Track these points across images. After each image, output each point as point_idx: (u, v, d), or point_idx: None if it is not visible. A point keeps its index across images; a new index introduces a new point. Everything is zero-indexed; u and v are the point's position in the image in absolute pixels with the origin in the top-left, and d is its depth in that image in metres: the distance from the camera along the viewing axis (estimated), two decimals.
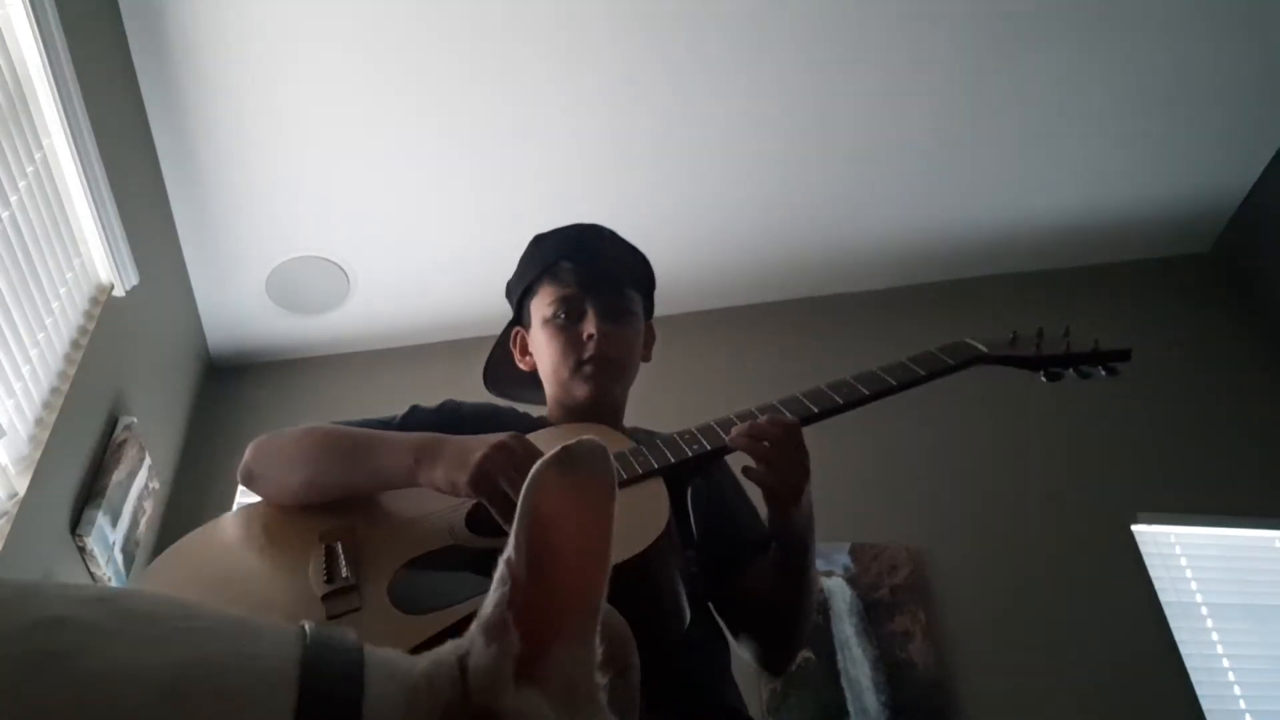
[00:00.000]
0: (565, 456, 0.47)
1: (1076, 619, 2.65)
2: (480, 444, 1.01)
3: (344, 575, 1.02)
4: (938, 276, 3.38)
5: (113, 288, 2.47)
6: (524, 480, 0.98)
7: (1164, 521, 2.87)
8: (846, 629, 2.62)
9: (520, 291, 1.37)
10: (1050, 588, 2.71)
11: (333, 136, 2.80)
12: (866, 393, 1.18)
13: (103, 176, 2.32)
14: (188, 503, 2.88)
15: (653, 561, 0.99)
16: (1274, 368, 3.18)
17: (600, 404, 1.27)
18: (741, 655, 1.25)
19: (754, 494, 1.23)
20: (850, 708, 2.48)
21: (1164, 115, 3.00)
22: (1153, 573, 2.76)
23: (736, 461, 1.17)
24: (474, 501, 1.07)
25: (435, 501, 1.09)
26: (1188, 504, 2.89)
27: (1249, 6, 2.76)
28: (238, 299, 3.15)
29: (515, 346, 1.39)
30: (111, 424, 2.51)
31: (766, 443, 1.09)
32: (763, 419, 1.12)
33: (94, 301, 2.43)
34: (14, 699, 0.38)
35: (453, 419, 1.26)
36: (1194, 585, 2.79)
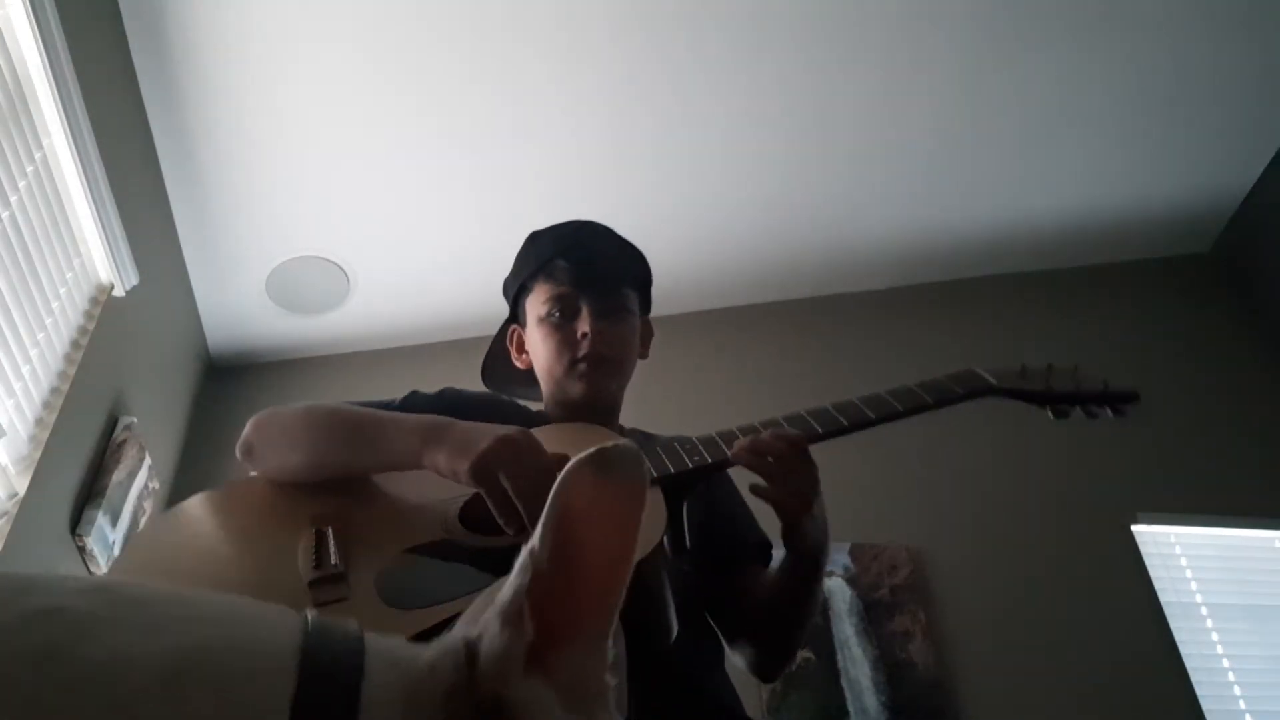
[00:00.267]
0: (601, 458, 0.47)
1: (1076, 619, 2.65)
2: (486, 434, 1.00)
3: (333, 563, 1.00)
4: (938, 276, 3.38)
5: (113, 288, 2.47)
6: (525, 477, 0.97)
7: (1164, 522, 2.87)
8: (846, 629, 2.62)
9: (515, 289, 1.36)
10: (1050, 588, 2.71)
11: (333, 136, 2.81)
12: (872, 416, 1.18)
13: (103, 176, 2.32)
14: None
15: (645, 573, 0.98)
16: (1274, 368, 3.18)
17: (596, 402, 1.26)
18: (734, 660, 1.24)
19: (756, 504, 1.22)
20: (850, 708, 2.48)
21: (1164, 115, 3.00)
22: (1153, 573, 2.76)
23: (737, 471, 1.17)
24: (470, 495, 1.06)
25: (434, 489, 1.07)
26: (1188, 504, 2.89)
27: (1249, 6, 2.76)
28: (238, 299, 3.15)
29: (512, 345, 1.39)
30: (111, 424, 2.51)
31: (770, 458, 1.09)
32: (766, 434, 1.11)
33: (94, 301, 2.43)
34: (13, 690, 0.38)
35: (452, 406, 1.24)
36: (1194, 585, 2.79)
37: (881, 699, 2.50)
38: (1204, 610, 2.75)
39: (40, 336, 2.17)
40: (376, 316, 3.24)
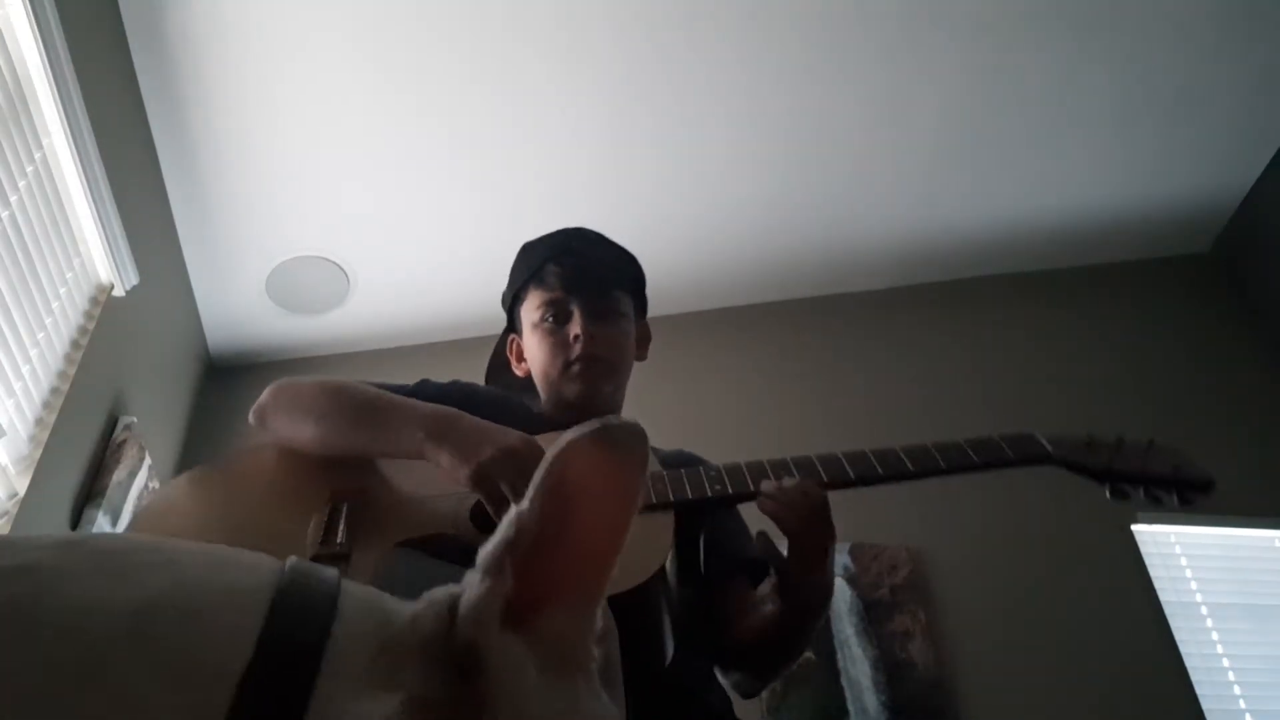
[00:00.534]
0: (604, 430, 0.47)
1: (1076, 619, 2.65)
2: (489, 440, 1.00)
3: (339, 541, 1.01)
4: (938, 276, 3.38)
5: (113, 288, 2.47)
6: (525, 489, 0.97)
7: (1164, 521, 2.87)
8: (846, 629, 2.62)
9: (511, 299, 1.37)
10: (1050, 588, 2.71)
11: (333, 136, 2.80)
12: (911, 469, 1.13)
13: (103, 176, 2.32)
14: None
15: (645, 597, 0.97)
16: (1273, 368, 3.18)
17: (592, 402, 1.26)
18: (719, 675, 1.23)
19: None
20: (850, 707, 2.48)
21: (1164, 115, 2.99)
22: (1153, 572, 2.76)
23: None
24: None
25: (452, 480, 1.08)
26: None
27: (1248, 7, 2.76)
28: (238, 299, 3.15)
29: (512, 354, 1.39)
30: (111, 424, 2.51)
31: (790, 510, 1.08)
32: (790, 484, 1.09)
33: (94, 301, 2.43)
34: None
35: (461, 400, 1.24)
36: (1194, 585, 2.79)
37: (881, 699, 2.50)
38: (1204, 610, 2.75)
39: (40, 336, 2.17)
40: (376, 316, 3.24)
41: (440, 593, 0.48)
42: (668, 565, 1.06)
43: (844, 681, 2.53)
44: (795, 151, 2.98)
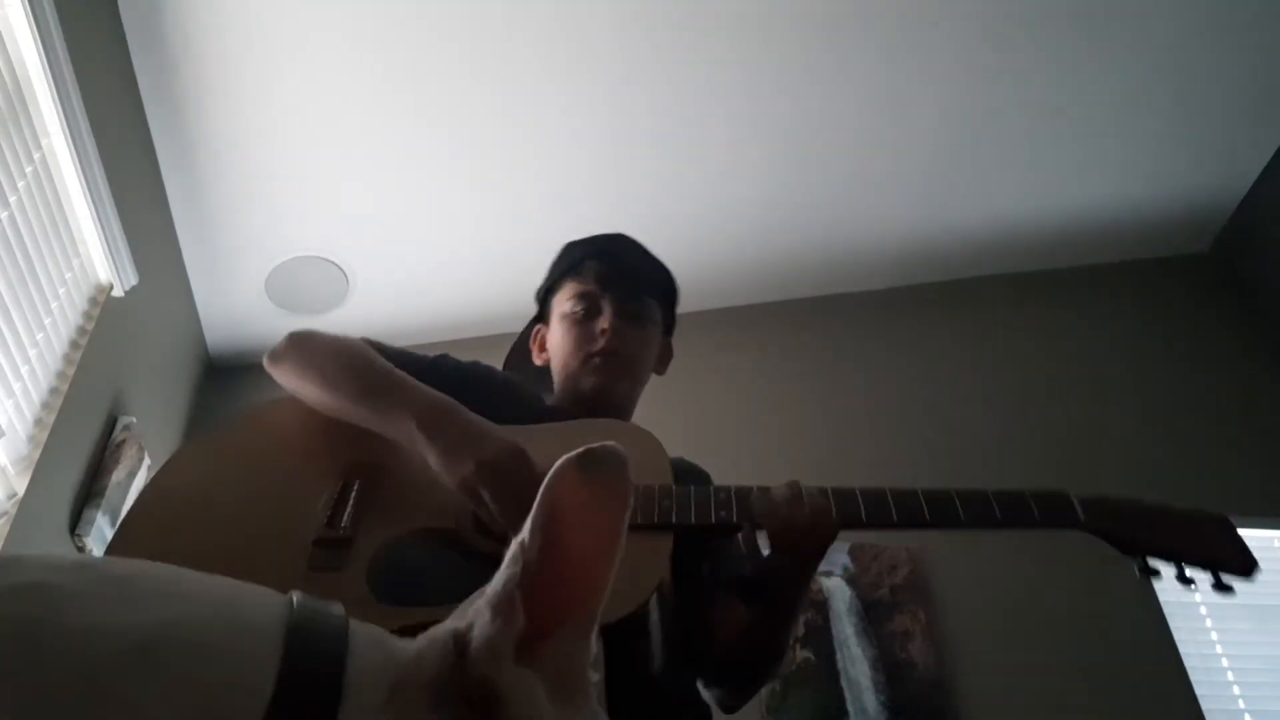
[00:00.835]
0: (588, 457, 0.49)
1: (1076, 619, 2.65)
2: (478, 447, 1.00)
3: (343, 524, 1.00)
4: (938, 276, 3.38)
5: (112, 288, 2.47)
6: (508, 501, 0.96)
7: None
8: (846, 629, 2.62)
9: (545, 289, 1.39)
10: (1049, 587, 2.71)
11: (332, 136, 2.80)
12: (928, 519, 1.09)
13: (102, 176, 2.32)
14: None
15: (635, 622, 0.97)
16: (1273, 368, 3.18)
17: (606, 398, 1.26)
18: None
19: None
20: (850, 708, 2.48)
21: (1164, 115, 3.00)
22: None
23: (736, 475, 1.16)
24: None
25: None
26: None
27: (1248, 7, 2.76)
28: (237, 299, 3.15)
29: (534, 343, 1.40)
30: (111, 424, 2.50)
31: (794, 533, 1.07)
32: (799, 515, 1.07)
33: (93, 302, 2.43)
34: None
35: (477, 380, 1.26)
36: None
37: (881, 699, 2.50)
38: (1204, 610, 2.75)
39: (39, 336, 2.17)
40: (376, 316, 3.23)
41: (442, 630, 0.48)
42: (665, 592, 1.06)
43: (843, 682, 2.53)
44: (795, 151, 2.98)
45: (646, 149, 2.93)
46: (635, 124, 2.87)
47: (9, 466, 2.06)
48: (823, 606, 2.65)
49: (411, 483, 1.06)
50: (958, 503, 1.09)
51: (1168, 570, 1.13)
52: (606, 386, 1.26)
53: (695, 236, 3.12)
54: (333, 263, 3.08)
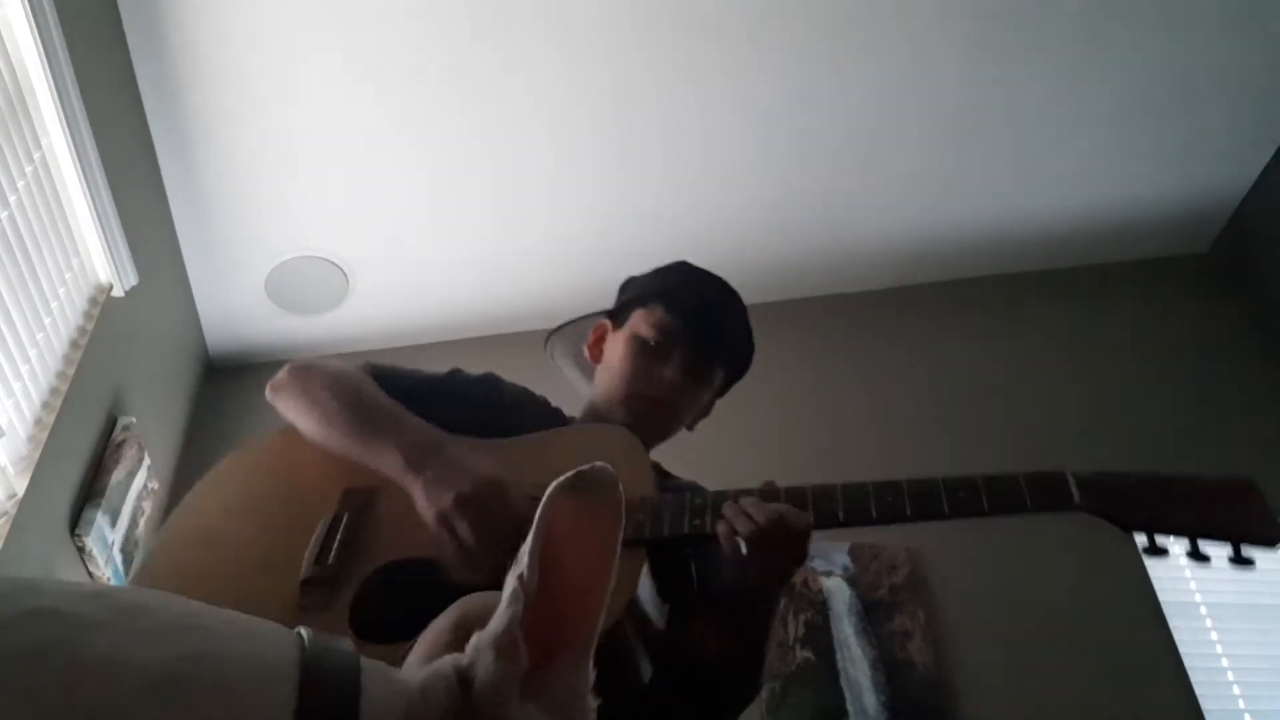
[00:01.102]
0: (578, 481, 0.49)
1: (1076, 618, 2.65)
2: (454, 483, 1.00)
3: (330, 561, 1.01)
4: (938, 276, 3.37)
5: (111, 288, 2.47)
6: (482, 534, 0.97)
7: None
8: (846, 629, 2.62)
9: (635, 295, 1.34)
10: (1049, 587, 2.71)
11: (332, 136, 2.80)
12: (909, 513, 1.03)
13: (102, 176, 2.32)
14: None
15: (608, 640, 0.95)
16: (1273, 368, 3.18)
17: None
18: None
19: None
20: (849, 707, 2.48)
21: (1164, 115, 3.00)
22: (1152, 572, 2.76)
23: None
24: None
25: None
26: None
27: (1248, 6, 2.76)
28: (237, 299, 3.14)
29: (592, 334, 1.36)
30: (110, 424, 2.50)
31: (767, 546, 1.01)
32: (766, 523, 1.00)
33: (93, 302, 2.43)
34: (8, 684, 0.38)
35: (491, 394, 1.25)
36: (1193, 585, 2.79)
37: (881, 698, 2.50)
38: (1204, 610, 2.75)
39: (39, 337, 2.17)
40: (375, 316, 3.23)
41: (444, 666, 0.49)
42: (642, 596, 1.05)
43: (843, 681, 2.53)
44: (795, 151, 2.98)
45: (647, 149, 2.93)
46: (636, 124, 2.87)
47: (9, 466, 2.06)
48: (823, 606, 2.65)
49: (400, 513, 1.06)
50: (943, 494, 1.04)
51: (1178, 547, 1.02)
52: (636, 429, 1.21)
53: (695, 236, 3.12)
54: (333, 263, 3.08)
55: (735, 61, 2.76)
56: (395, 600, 0.98)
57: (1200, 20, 2.76)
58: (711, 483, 1.19)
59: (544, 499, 0.49)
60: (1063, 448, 3.00)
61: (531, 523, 0.97)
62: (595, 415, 1.29)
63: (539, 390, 1.36)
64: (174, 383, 3.04)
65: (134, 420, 2.58)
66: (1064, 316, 3.31)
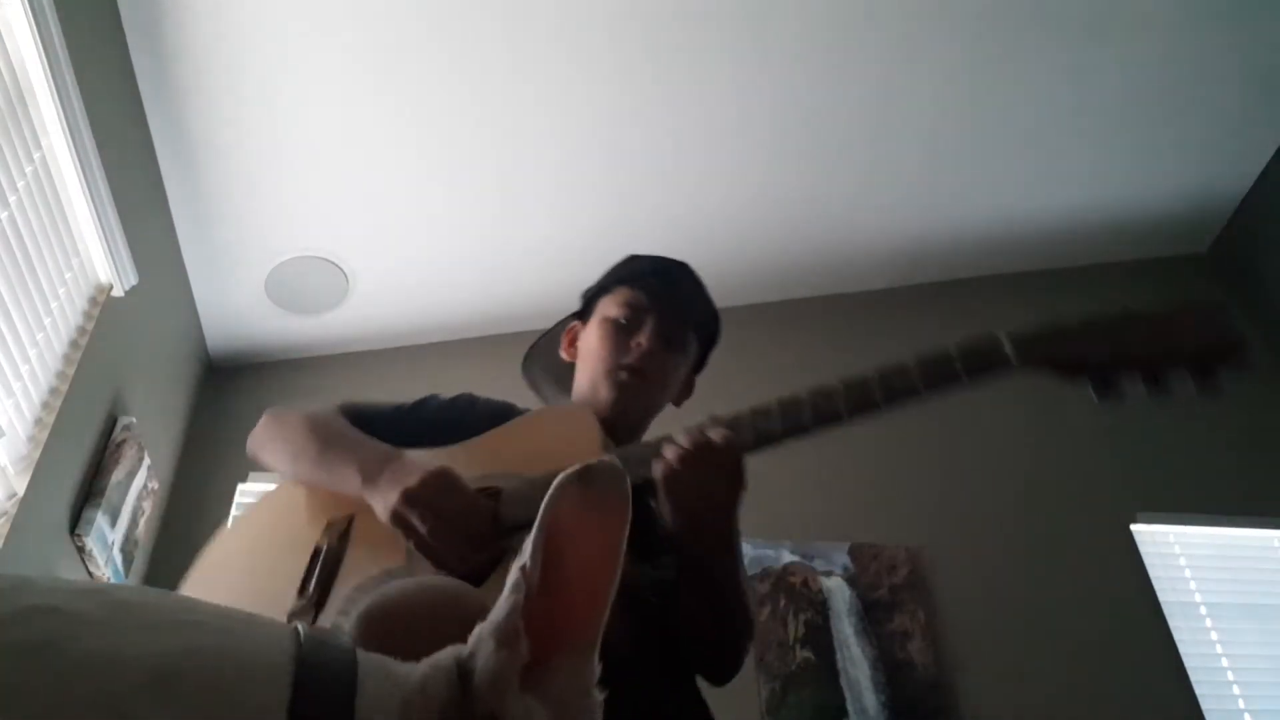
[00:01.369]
0: (585, 473, 0.49)
1: (1076, 619, 2.65)
2: (403, 479, 1.02)
3: (310, 591, 1.02)
4: (938, 276, 3.38)
5: (111, 288, 2.46)
6: (438, 523, 0.98)
7: (1163, 521, 2.87)
8: (846, 629, 2.62)
9: (595, 290, 1.38)
10: (1050, 587, 2.71)
11: (332, 136, 2.80)
12: (845, 412, 1.02)
13: (101, 176, 2.32)
14: (187, 503, 2.88)
15: None
16: (1272, 368, 3.18)
17: (619, 416, 1.24)
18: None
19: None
20: (849, 707, 2.48)
21: (1163, 115, 3.00)
22: (1152, 572, 2.76)
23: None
24: None
25: None
26: (1187, 503, 2.89)
27: (1248, 6, 2.76)
28: (237, 299, 3.14)
29: (565, 338, 1.40)
30: (110, 424, 2.50)
31: (694, 465, 1.00)
32: (692, 444, 1.00)
33: (93, 301, 2.43)
34: (3, 680, 0.38)
35: (465, 413, 1.26)
36: (1193, 585, 2.79)
37: (881, 698, 2.50)
38: (1203, 610, 2.75)
39: (39, 336, 2.17)
40: (375, 316, 3.23)
41: (444, 656, 0.48)
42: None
43: (843, 681, 2.53)
44: (796, 151, 2.98)
45: (647, 149, 2.93)
46: (636, 124, 2.87)
47: (9, 466, 2.07)
48: (823, 606, 2.65)
49: (373, 530, 1.08)
50: (876, 384, 1.03)
51: (1134, 384, 0.94)
52: (623, 404, 1.24)
53: (695, 236, 3.12)
54: (333, 263, 3.08)
55: (736, 62, 2.76)
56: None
57: (1200, 20, 2.76)
58: None
59: (549, 491, 0.48)
60: (1062, 447, 3.00)
61: (483, 508, 0.97)
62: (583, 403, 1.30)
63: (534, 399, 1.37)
64: (174, 383, 3.04)
65: (134, 420, 2.58)
66: (1063, 317, 3.32)
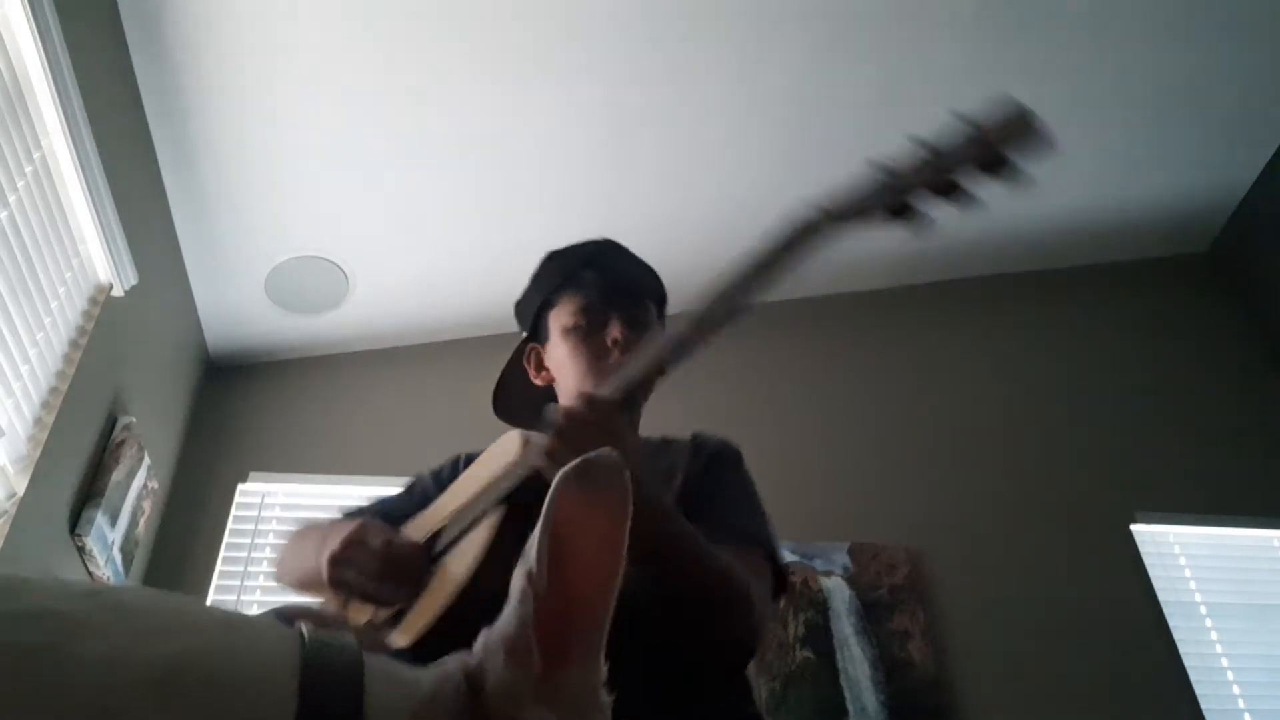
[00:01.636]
0: (584, 469, 0.48)
1: (1076, 619, 2.65)
2: (329, 545, 1.09)
3: None
4: (938, 276, 3.38)
5: (111, 288, 2.46)
6: (358, 573, 1.04)
7: (1163, 521, 2.87)
8: (845, 628, 2.62)
9: (537, 306, 1.35)
10: (1050, 588, 2.71)
11: (332, 136, 2.80)
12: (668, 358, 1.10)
13: (101, 176, 2.32)
14: (186, 503, 2.88)
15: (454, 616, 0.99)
16: (1272, 367, 3.18)
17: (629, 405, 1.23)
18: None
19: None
20: (849, 706, 2.48)
21: (1163, 115, 3.00)
22: (1151, 573, 2.76)
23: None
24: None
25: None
26: (1187, 504, 2.89)
27: (1248, 7, 2.76)
28: (237, 299, 3.14)
29: (530, 364, 1.36)
30: (110, 424, 2.50)
31: (571, 426, 1.00)
32: (569, 408, 1.02)
33: (93, 301, 2.43)
34: (1, 688, 0.38)
35: (457, 473, 1.27)
36: (1193, 585, 2.79)
37: (880, 698, 2.50)
38: (1203, 610, 2.75)
39: (39, 336, 2.17)
40: (375, 316, 3.23)
41: (452, 664, 0.48)
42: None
43: (843, 681, 2.53)
44: (796, 151, 2.98)
45: (647, 148, 2.93)
46: (635, 123, 2.87)
47: (9, 466, 2.06)
48: (823, 606, 2.65)
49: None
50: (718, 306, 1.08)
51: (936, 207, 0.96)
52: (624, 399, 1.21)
53: (695, 236, 3.11)
54: (333, 263, 3.08)
55: (734, 62, 2.76)
56: None
57: (1201, 21, 2.76)
58: None
59: (552, 488, 0.48)
60: (1062, 446, 3.00)
61: (404, 546, 0.99)
62: None
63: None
64: (174, 383, 3.04)
65: (134, 420, 2.58)
66: (1063, 316, 3.32)
